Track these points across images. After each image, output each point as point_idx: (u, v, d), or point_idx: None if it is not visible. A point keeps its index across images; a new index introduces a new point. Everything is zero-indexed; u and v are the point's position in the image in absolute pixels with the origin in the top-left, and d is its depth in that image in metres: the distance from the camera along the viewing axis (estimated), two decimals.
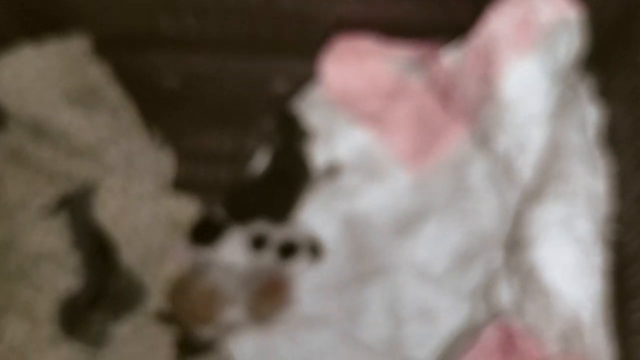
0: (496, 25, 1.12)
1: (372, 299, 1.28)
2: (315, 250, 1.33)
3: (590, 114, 1.19)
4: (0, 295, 1.30)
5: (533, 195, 1.09)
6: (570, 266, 1.01)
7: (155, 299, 1.35)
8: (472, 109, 1.24)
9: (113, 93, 1.49)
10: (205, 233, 1.33)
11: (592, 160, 1.11)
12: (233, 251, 1.30)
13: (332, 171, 1.41)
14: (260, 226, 1.34)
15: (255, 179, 1.40)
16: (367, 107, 1.46)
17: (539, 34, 1.12)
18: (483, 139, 1.21)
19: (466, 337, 1.10)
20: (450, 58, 1.24)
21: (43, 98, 1.39)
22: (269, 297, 1.28)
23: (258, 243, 1.32)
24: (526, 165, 1.17)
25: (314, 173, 1.40)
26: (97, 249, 1.32)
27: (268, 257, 1.31)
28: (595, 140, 1.17)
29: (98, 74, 1.49)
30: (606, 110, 1.18)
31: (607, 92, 1.19)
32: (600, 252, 1.05)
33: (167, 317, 1.33)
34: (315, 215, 1.39)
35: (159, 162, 1.46)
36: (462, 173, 1.34)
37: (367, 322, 1.28)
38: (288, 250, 1.31)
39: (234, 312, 1.27)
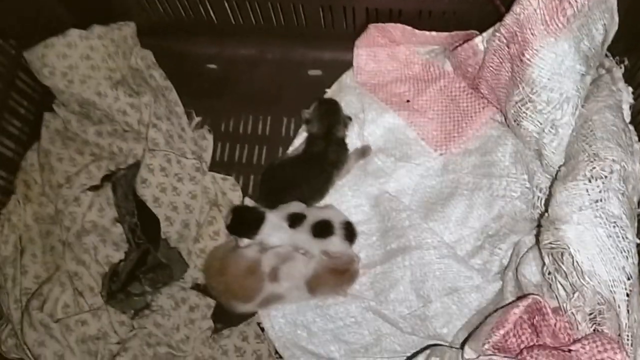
0: (531, 4, 1.02)
1: (401, 277, 1.21)
2: (349, 231, 1.26)
3: (626, 96, 1.10)
4: (45, 267, 1.28)
5: (566, 176, 1.00)
6: (603, 247, 0.91)
7: (193, 272, 1.30)
8: (504, 89, 1.15)
9: (156, 76, 1.44)
10: (246, 224, 1.27)
11: (628, 142, 1.01)
12: (271, 232, 1.25)
13: (364, 153, 1.34)
14: (296, 206, 1.28)
15: (291, 161, 1.33)
16: (397, 91, 1.38)
17: (574, 15, 1.02)
18: (514, 120, 1.13)
19: (496, 315, 1.02)
20: (483, 39, 1.15)
21: (88, 79, 1.35)
22: (337, 279, 1.21)
23: (294, 221, 1.25)
24: (558, 147, 1.08)
25: (347, 156, 1.33)
26: (139, 224, 1.27)
27: (303, 235, 1.24)
28: (631, 123, 1.08)
29: (142, 57, 1.45)
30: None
31: None
32: (635, 234, 0.96)
33: (204, 290, 1.29)
34: (347, 196, 1.32)
35: (198, 143, 1.41)
36: (491, 154, 1.25)
37: (395, 299, 1.21)
38: (322, 229, 1.24)
39: (275, 288, 1.21)
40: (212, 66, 1.49)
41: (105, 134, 1.37)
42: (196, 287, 1.30)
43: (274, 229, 1.24)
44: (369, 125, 1.36)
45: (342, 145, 1.31)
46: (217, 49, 1.49)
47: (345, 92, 1.40)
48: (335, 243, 1.23)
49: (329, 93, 1.42)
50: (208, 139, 1.41)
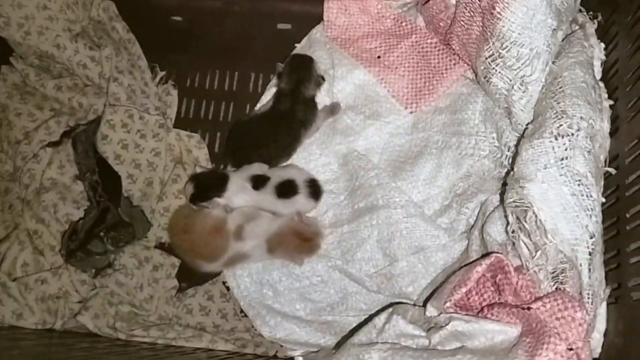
0: None
1: (368, 236, 1.20)
2: (313, 188, 1.24)
3: (598, 52, 1.07)
4: (4, 225, 1.24)
5: (532, 133, 0.98)
6: (567, 205, 0.90)
7: (157, 231, 1.28)
8: (475, 45, 1.12)
9: (118, 28, 1.39)
10: (210, 186, 1.23)
11: (597, 99, 0.99)
12: (235, 193, 1.22)
13: (333, 111, 1.31)
14: (258, 167, 1.24)
15: (258, 118, 1.29)
16: (368, 46, 1.34)
17: None
18: (484, 76, 1.10)
19: (459, 273, 1.01)
20: None
21: (46, 31, 1.30)
22: (298, 244, 1.18)
23: (257, 183, 1.22)
24: (527, 104, 1.06)
25: (316, 115, 1.29)
26: (100, 181, 1.24)
27: (268, 197, 1.22)
28: (602, 80, 1.06)
29: (104, 9, 1.38)
30: (612, 51, 1.07)
31: (614, 32, 1.06)
32: (599, 192, 0.95)
33: (168, 249, 1.27)
34: (315, 154, 1.29)
35: (162, 99, 1.37)
36: (461, 112, 1.22)
37: (361, 258, 1.20)
38: (286, 189, 1.22)
39: (240, 247, 1.19)
40: (177, 18, 1.42)
41: (65, 89, 1.32)
42: (160, 246, 1.28)
43: (238, 191, 1.21)
44: (339, 82, 1.32)
45: (310, 104, 1.27)
46: (182, 0, 1.42)
47: (315, 47, 1.35)
48: (300, 201, 1.21)
49: (299, 48, 1.38)
50: (172, 94, 1.37)
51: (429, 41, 1.30)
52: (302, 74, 1.27)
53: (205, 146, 1.34)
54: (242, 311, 1.23)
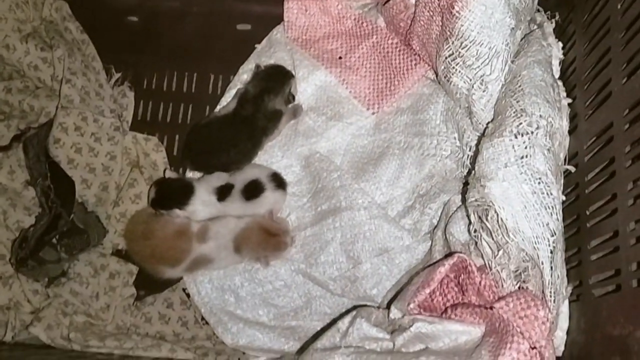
0: None
1: (331, 239, 1.18)
2: (277, 181, 1.21)
3: (556, 51, 1.08)
4: None
5: (492, 132, 0.97)
6: (528, 204, 0.89)
7: (113, 237, 1.24)
8: (435, 44, 1.11)
9: (72, 29, 1.34)
10: (173, 195, 1.19)
11: (556, 97, 1.00)
12: (200, 207, 1.18)
13: (295, 113, 1.29)
14: (219, 177, 1.21)
15: (219, 121, 1.25)
16: (329, 47, 1.32)
17: None
18: (445, 76, 1.09)
19: (422, 274, 1.00)
20: None
21: None
22: (265, 240, 1.16)
23: (222, 193, 1.19)
24: (487, 103, 1.05)
25: (279, 126, 1.26)
26: (52, 187, 1.19)
27: (235, 204, 1.19)
28: (560, 78, 1.07)
29: (57, 9, 1.33)
30: (570, 49, 1.08)
31: (571, 31, 1.07)
32: (559, 190, 0.95)
33: (125, 256, 1.23)
34: (277, 156, 1.27)
35: (118, 101, 1.33)
36: (422, 113, 1.22)
37: (325, 261, 1.18)
38: (253, 190, 1.19)
39: (203, 249, 1.15)
40: (133, 18, 1.39)
41: (15, 91, 1.28)
42: (117, 253, 1.24)
43: (203, 205, 1.18)
44: (300, 83, 1.30)
45: (272, 116, 1.23)
46: (139, 0, 1.39)
47: (275, 48, 1.34)
48: (269, 196, 1.19)
49: (259, 49, 1.36)
50: (129, 96, 1.33)
51: (389, 42, 1.29)
52: (271, 85, 1.23)
53: (164, 149, 1.30)
54: (203, 318, 1.20)
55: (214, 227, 1.16)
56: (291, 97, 1.27)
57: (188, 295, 1.21)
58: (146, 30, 1.39)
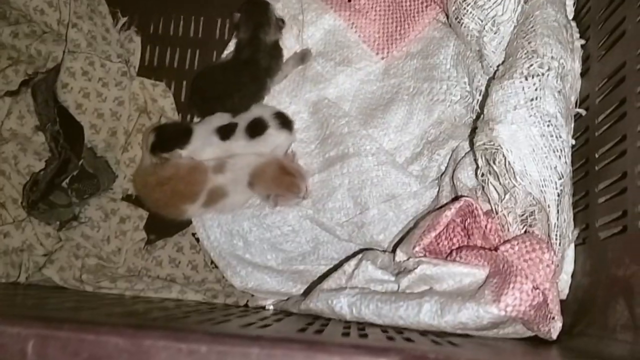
0: None
1: (339, 185, 1.18)
2: (282, 119, 1.21)
3: None
4: None
5: (503, 74, 0.95)
6: (536, 147, 0.88)
7: (123, 182, 1.25)
8: None
9: None
10: (172, 137, 1.20)
11: (569, 38, 0.97)
12: (202, 146, 1.19)
13: (303, 58, 1.27)
14: (220, 118, 1.21)
15: (221, 67, 1.25)
16: None
17: None
18: (456, 17, 1.07)
19: (428, 218, 1.01)
20: None
21: None
22: (280, 178, 1.16)
23: (225, 133, 1.19)
24: (498, 46, 1.03)
25: (282, 61, 1.26)
26: (62, 132, 1.20)
27: (240, 142, 1.19)
28: (574, 19, 1.04)
29: None
30: None
31: None
32: (569, 133, 0.94)
33: (136, 201, 1.25)
34: (285, 102, 1.26)
35: (125, 46, 1.32)
36: (432, 57, 1.20)
37: (332, 207, 1.18)
38: (256, 128, 1.19)
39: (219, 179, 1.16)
40: None
41: (22, 36, 1.27)
42: (127, 198, 1.25)
43: (205, 144, 1.18)
44: (308, 28, 1.28)
45: (272, 51, 1.23)
46: None
47: None
48: (273, 134, 1.19)
49: None
50: (135, 41, 1.32)
51: None
52: (259, 20, 1.23)
53: (171, 95, 1.29)
54: (212, 262, 1.22)
55: (231, 161, 1.17)
56: (281, 22, 1.25)
57: (197, 239, 1.23)
58: None
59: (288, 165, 1.17)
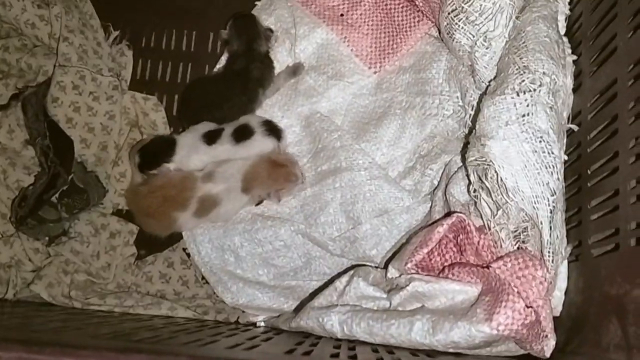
0: None
1: (331, 199, 1.17)
2: (270, 127, 1.20)
3: (562, 7, 1.05)
4: None
5: (494, 90, 0.95)
6: (528, 163, 0.88)
7: (113, 197, 1.24)
8: (438, 1, 1.09)
9: None
10: (157, 152, 1.19)
11: (560, 54, 0.97)
12: (188, 154, 1.18)
13: (295, 71, 1.27)
14: (205, 125, 1.20)
15: (212, 78, 1.26)
16: (331, 4, 1.29)
17: None
18: (447, 32, 1.07)
19: (420, 234, 1.00)
20: None
21: None
22: (273, 173, 1.16)
23: (211, 138, 1.18)
24: (490, 61, 1.03)
25: (274, 73, 1.25)
26: (52, 146, 1.18)
27: (225, 146, 1.18)
28: (566, 35, 1.04)
29: None
30: (577, 5, 1.04)
31: None
32: (561, 149, 0.93)
33: (126, 216, 1.23)
34: (277, 116, 1.25)
35: (116, 59, 1.31)
36: (425, 72, 1.19)
37: (324, 222, 1.17)
38: (242, 132, 1.18)
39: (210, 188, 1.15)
40: None
41: (13, 49, 1.26)
42: (118, 212, 1.24)
43: (190, 152, 1.17)
44: (301, 41, 1.28)
45: (265, 61, 1.23)
46: None
47: (276, 5, 1.31)
48: (259, 140, 1.18)
49: (259, 6, 1.33)
50: (127, 55, 1.31)
51: None
52: (251, 32, 1.23)
53: (163, 109, 1.29)
54: (203, 278, 1.20)
55: (220, 170, 1.16)
56: (269, 32, 1.26)
57: (188, 255, 1.21)
58: None
59: (278, 158, 1.17)
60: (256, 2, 1.33)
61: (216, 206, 1.15)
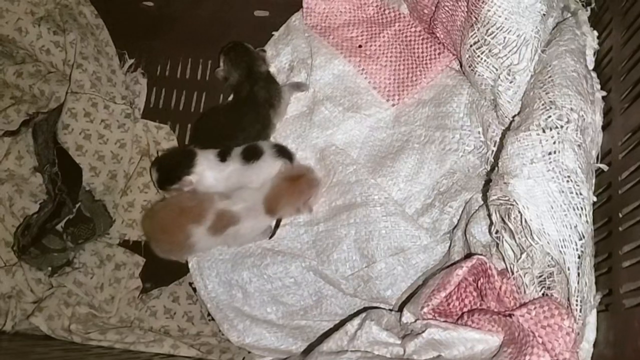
0: None
1: (344, 235, 1.12)
2: (280, 149, 1.17)
3: (591, 41, 1.00)
4: None
5: (519, 126, 0.90)
6: (554, 204, 0.82)
7: (120, 227, 1.20)
8: (460, 32, 1.05)
9: (86, 13, 1.31)
10: (177, 164, 1.15)
11: (589, 89, 0.92)
12: (205, 168, 1.14)
13: (299, 87, 1.24)
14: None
15: (224, 108, 1.24)
16: (349, 35, 1.27)
17: None
18: (469, 65, 1.03)
19: (438, 276, 0.94)
20: None
21: (6, 13, 1.23)
22: (294, 188, 1.12)
23: (223, 154, 1.15)
24: (514, 95, 0.98)
25: (279, 88, 1.23)
26: (60, 174, 1.16)
27: (236, 166, 1.14)
28: (594, 70, 0.99)
29: None
30: (606, 39, 1.00)
31: (608, 19, 1.00)
32: (590, 190, 0.88)
33: (132, 247, 1.20)
34: (290, 148, 1.21)
35: (130, 87, 1.29)
36: (445, 105, 1.15)
37: (337, 259, 1.12)
38: (252, 152, 1.15)
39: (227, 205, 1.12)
40: (149, 4, 1.35)
41: (27, 75, 1.25)
42: (124, 243, 1.20)
43: (208, 166, 1.14)
44: (317, 71, 1.25)
45: (268, 79, 1.22)
46: None
47: (293, 35, 1.29)
48: (268, 162, 1.14)
49: (276, 36, 1.32)
50: (141, 83, 1.30)
51: (412, 29, 1.23)
52: (247, 57, 1.22)
53: (175, 138, 1.26)
54: (209, 314, 1.16)
55: (236, 192, 1.13)
56: (262, 51, 1.26)
57: (194, 289, 1.17)
58: (161, 15, 1.35)
59: (292, 171, 1.14)
60: (273, 32, 1.32)
61: (234, 224, 1.11)
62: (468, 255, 0.95)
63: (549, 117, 0.87)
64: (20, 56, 1.28)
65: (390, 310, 1.01)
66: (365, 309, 1.01)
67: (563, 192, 0.83)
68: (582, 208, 0.83)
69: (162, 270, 1.17)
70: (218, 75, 1.25)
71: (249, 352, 1.12)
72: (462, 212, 1.07)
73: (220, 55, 1.24)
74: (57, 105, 1.21)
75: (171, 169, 1.14)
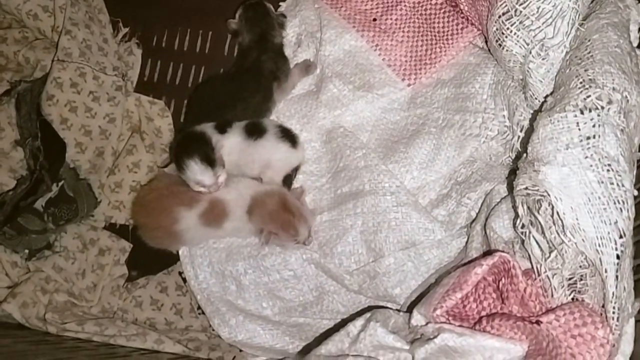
0: None
1: (350, 226, 1.05)
2: (284, 132, 1.09)
3: (635, 15, 0.91)
4: None
5: (553, 106, 0.81)
6: (592, 196, 0.74)
7: (106, 209, 1.12)
8: (487, 2, 0.96)
9: None
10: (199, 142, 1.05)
11: (633, 68, 0.82)
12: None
13: (307, 69, 1.16)
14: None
15: (222, 77, 1.17)
16: (363, 7, 1.19)
17: None
18: (496, 39, 0.93)
19: (454, 275, 0.85)
20: None
21: None
22: (279, 213, 1.03)
23: (223, 127, 1.06)
24: (547, 74, 0.89)
25: (288, 65, 1.16)
26: (42, 148, 1.07)
27: (237, 139, 1.06)
28: (639, 46, 0.89)
29: None
30: None
31: None
32: (632, 182, 0.78)
33: (118, 231, 1.12)
34: (294, 129, 1.13)
35: (124, 58, 1.21)
36: (467, 86, 1.07)
37: (341, 252, 1.05)
38: (255, 128, 1.07)
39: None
40: None
41: (12, 41, 1.19)
42: (110, 227, 1.13)
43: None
44: (326, 46, 1.18)
45: (279, 52, 1.15)
46: None
47: (301, 6, 1.22)
48: (272, 141, 1.07)
49: (283, 7, 1.26)
50: (136, 54, 1.23)
51: (432, 2, 1.17)
52: (264, 24, 1.15)
53: (170, 115, 1.19)
54: (199, 307, 1.10)
55: (235, 179, 1.06)
56: (282, 17, 1.18)
57: (184, 279, 1.10)
58: None
59: (290, 201, 1.04)
60: (280, 3, 1.24)
61: (224, 216, 1.03)
62: (488, 252, 0.88)
63: (588, 96, 0.78)
64: (7, 21, 1.21)
65: (398, 310, 0.95)
66: (370, 308, 0.95)
67: (602, 182, 0.75)
68: (623, 202, 0.74)
69: (150, 258, 1.10)
70: (229, 27, 1.17)
71: (241, 351, 1.06)
72: (482, 204, 1.01)
73: (239, 8, 1.17)
74: (43, 75, 1.14)
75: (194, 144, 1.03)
